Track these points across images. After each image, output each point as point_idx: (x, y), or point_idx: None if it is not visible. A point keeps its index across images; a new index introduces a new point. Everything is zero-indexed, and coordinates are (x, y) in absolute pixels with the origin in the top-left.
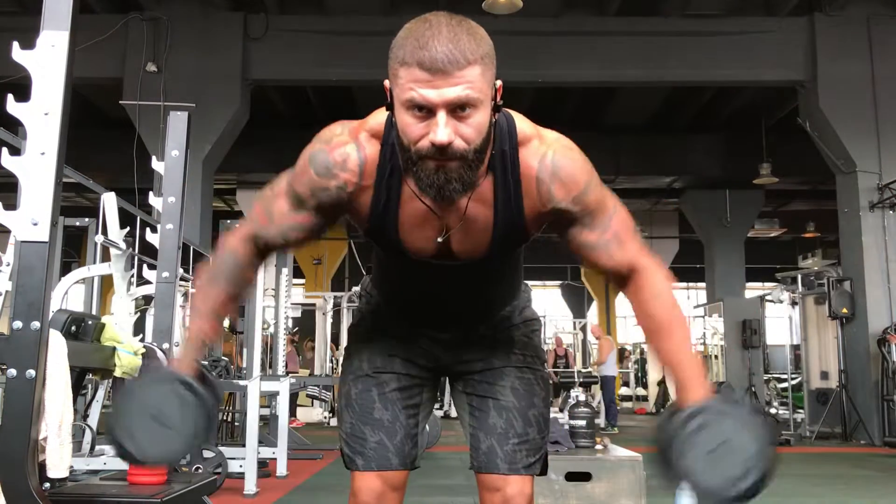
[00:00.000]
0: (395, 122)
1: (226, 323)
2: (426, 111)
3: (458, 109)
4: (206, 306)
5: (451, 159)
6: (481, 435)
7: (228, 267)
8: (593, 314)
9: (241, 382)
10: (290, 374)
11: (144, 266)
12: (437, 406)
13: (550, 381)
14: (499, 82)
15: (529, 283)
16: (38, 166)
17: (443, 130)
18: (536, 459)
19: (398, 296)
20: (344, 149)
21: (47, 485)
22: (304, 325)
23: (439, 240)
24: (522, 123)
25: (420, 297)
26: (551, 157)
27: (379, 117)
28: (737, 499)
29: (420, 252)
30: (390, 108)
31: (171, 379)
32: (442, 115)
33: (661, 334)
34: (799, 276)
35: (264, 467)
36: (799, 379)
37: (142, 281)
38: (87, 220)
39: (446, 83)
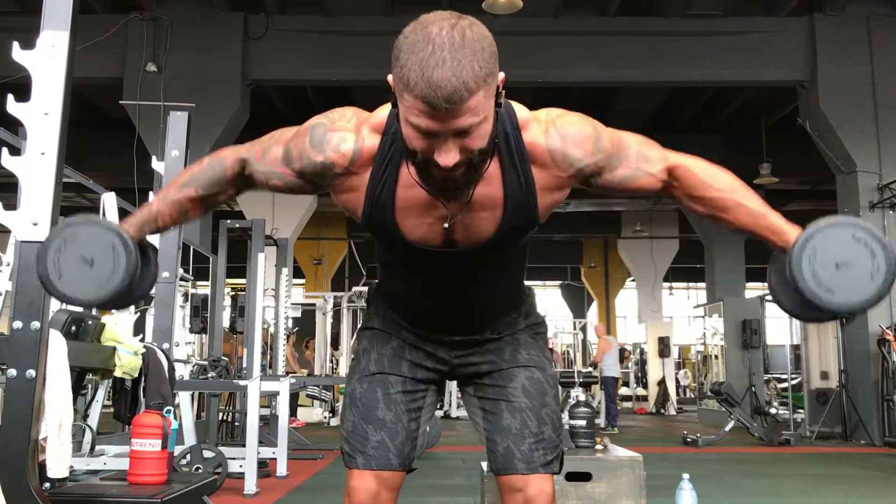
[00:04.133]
0: (400, 118)
1: (225, 323)
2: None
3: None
4: (178, 195)
5: (457, 170)
6: (497, 437)
7: (212, 173)
8: (593, 314)
9: (241, 382)
10: (290, 374)
11: None
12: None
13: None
14: (501, 74)
15: (529, 283)
16: (38, 166)
17: (448, 155)
18: (554, 457)
19: (403, 299)
20: (343, 134)
21: (47, 485)
22: (304, 325)
23: (445, 225)
24: (519, 109)
25: (424, 299)
26: (554, 129)
27: (383, 112)
28: (885, 290)
29: (421, 240)
30: (395, 104)
31: (111, 230)
32: (447, 141)
33: (727, 207)
34: None
35: (264, 467)
36: (799, 379)
37: None
38: None
39: (451, 115)
